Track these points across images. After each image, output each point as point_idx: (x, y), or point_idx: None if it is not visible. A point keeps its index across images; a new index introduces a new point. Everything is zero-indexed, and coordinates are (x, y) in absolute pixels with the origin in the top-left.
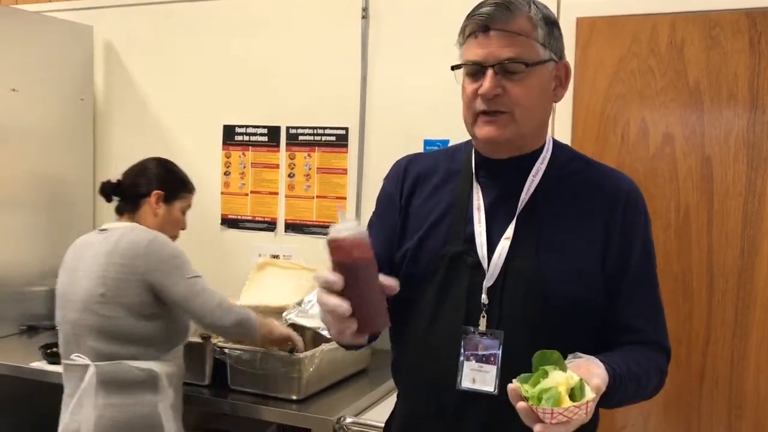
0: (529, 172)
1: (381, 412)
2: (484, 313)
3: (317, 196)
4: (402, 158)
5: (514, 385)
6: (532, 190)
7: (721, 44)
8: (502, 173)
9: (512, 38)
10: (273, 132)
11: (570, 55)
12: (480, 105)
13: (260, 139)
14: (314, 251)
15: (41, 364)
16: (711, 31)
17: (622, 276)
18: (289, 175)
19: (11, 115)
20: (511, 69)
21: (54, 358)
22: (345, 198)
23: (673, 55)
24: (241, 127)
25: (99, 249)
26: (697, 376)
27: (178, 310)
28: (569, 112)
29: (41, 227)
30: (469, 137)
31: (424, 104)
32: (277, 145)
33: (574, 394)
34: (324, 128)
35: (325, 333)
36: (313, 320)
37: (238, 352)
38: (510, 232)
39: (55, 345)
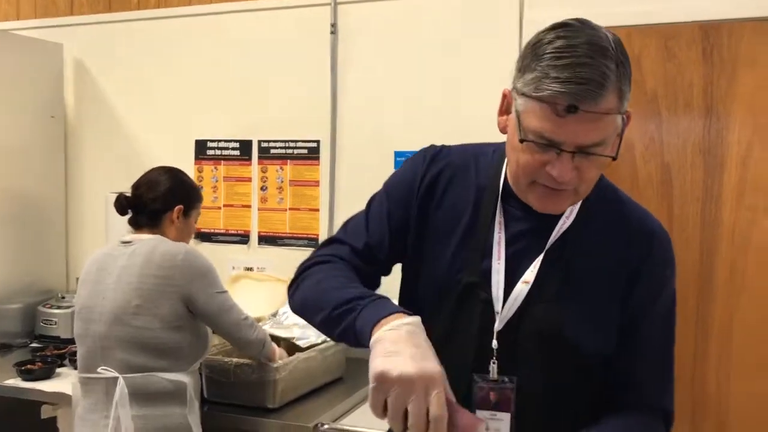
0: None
1: (358, 418)
2: (495, 359)
3: (290, 209)
4: (432, 147)
5: None
6: (562, 231)
7: (676, 56)
8: (531, 208)
9: (599, 120)
10: (245, 146)
11: None
12: (544, 180)
13: (232, 153)
14: (288, 263)
15: (15, 381)
16: (667, 42)
17: (636, 328)
18: (261, 188)
19: None
20: (592, 153)
21: (29, 374)
22: (318, 210)
23: (632, 66)
24: (213, 141)
25: (129, 261)
26: None
27: (203, 322)
28: None
29: (13, 244)
30: (497, 142)
31: (393, 116)
32: (249, 159)
33: None
34: (296, 141)
35: (300, 343)
36: (287, 330)
37: (212, 362)
38: (531, 275)
39: (30, 362)
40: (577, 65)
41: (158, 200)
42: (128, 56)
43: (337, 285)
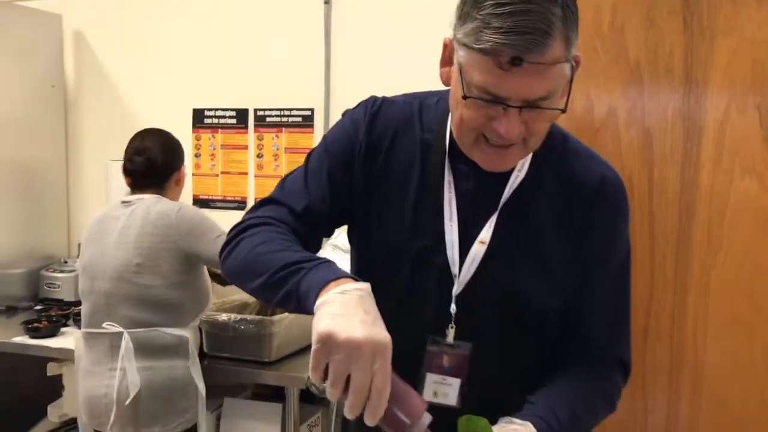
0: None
1: None
2: (453, 323)
3: None
4: (373, 99)
5: None
6: (515, 186)
7: (658, 24)
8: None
9: (546, 71)
10: (241, 114)
11: None
12: (491, 135)
13: (229, 121)
14: None
15: (23, 339)
16: (649, 12)
17: (591, 279)
18: (257, 156)
19: None
20: (541, 106)
21: (36, 332)
22: None
23: (615, 35)
24: (210, 110)
25: (129, 221)
26: (642, 332)
27: (204, 277)
28: None
29: (16, 212)
30: (440, 89)
31: (385, 84)
32: (246, 127)
33: None
34: (290, 110)
35: None
36: None
37: (213, 319)
38: (486, 235)
39: (36, 321)
40: (520, 13)
41: (170, 162)
42: (127, 27)
43: (277, 248)
